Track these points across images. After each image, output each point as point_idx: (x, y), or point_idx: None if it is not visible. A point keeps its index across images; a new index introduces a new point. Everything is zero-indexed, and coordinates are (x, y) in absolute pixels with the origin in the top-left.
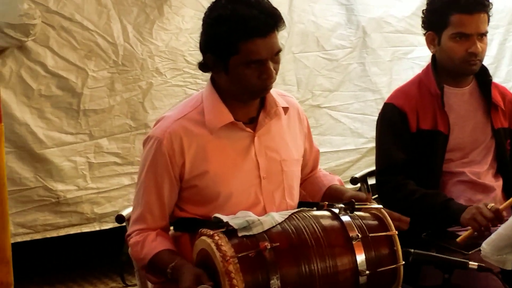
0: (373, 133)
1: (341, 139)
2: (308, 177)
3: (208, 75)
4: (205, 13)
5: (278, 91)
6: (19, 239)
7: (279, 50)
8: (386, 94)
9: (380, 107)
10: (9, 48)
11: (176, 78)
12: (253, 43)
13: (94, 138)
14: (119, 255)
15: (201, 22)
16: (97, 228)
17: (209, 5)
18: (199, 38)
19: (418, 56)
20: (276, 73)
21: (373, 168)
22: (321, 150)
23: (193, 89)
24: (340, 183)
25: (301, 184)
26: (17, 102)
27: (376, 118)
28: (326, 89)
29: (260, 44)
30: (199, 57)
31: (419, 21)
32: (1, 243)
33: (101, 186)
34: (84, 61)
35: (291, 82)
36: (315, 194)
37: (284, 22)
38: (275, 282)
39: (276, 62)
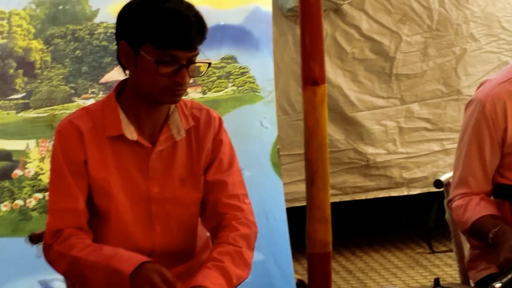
0: None
1: None
2: None
3: None
4: None
5: None
6: None
7: None
8: None
9: None
10: (325, 11)
11: (491, 45)
12: None
13: (405, 103)
14: (426, 221)
15: None
16: (405, 193)
17: None
18: None
19: None
20: None
21: None
22: None
23: (508, 56)
24: None
25: None
26: (331, 64)
27: None
28: None
29: None
30: None
31: None
32: (321, 202)
33: (411, 151)
34: (398, 25)
35: None
36: None
37: None
38: None
39: None
